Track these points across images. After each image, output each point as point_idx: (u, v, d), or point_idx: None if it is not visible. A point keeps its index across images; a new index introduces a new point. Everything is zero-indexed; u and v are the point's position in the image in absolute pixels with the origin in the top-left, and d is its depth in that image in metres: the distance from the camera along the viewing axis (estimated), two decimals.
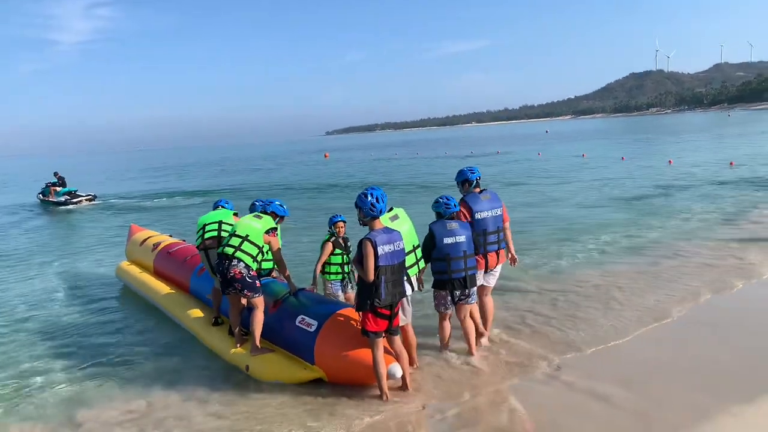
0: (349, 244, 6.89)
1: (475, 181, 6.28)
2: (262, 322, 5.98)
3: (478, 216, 6.04)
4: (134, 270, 9.83)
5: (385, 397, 5.20)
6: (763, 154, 29.36)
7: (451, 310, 5.97)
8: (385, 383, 5.20)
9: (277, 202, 6.68)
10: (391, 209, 5.78)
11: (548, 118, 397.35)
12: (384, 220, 5.40)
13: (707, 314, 7.17)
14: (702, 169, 23.88)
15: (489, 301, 6.51)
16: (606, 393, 5.19)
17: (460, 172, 6.37)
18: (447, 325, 6.09)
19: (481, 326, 6.42)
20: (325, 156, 68.87)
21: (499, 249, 6.28)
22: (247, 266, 6.00)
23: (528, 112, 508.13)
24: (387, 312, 5.05)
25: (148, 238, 10.32)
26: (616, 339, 6.46)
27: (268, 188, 31.47)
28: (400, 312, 5.48)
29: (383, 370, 5.13)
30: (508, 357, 6.16)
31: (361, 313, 5.08)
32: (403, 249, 5.19)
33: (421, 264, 5.82)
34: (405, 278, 5.51)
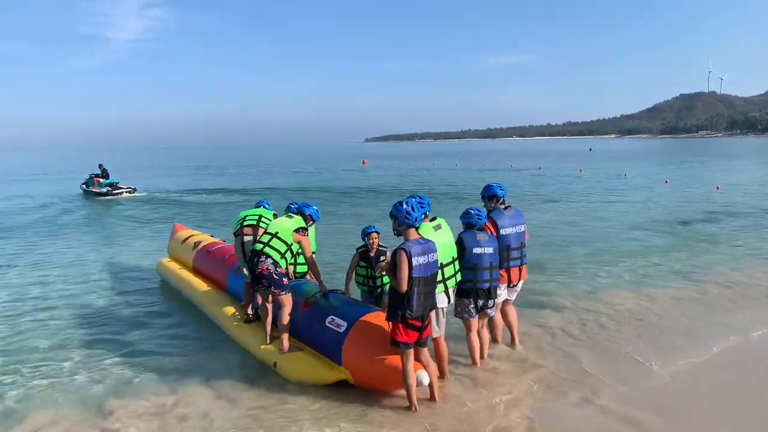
0: (382, 257, 6.66)
1: (501, 198, 6.44)
2: (289, 321, 6.07)
3: (503, 232, 6.23)
4: (174, 266, 10.08)
5: (413, 408, 5.19)
6: None
7: (475, 319, 6.03)
8: (414, 394, 5.18)
9: (314, 207, 6.84)
10: (434, 218, 5.79)
11: (592, 136, 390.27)
12: (426, 230, 5.44)
13: (757, 348, 6.90)
14: (753, 197, 23.00)
15: (512, 310, 6.72)
16: (639, 419, 5.08)
17: (489, 188, 6.53)
18: (475, 337, 6.13)
19: (500, 339, 6.69)
20: (364, 163, 69.23)
21: (521, 264, 6.43)
22: (275, 263, 6.09)
23: (572, 129, 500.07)
24: (418, 323, 5.01)
25: (190, 236, 10.60)
26: (654, 364, 6.32)
27: (307, 191, 31.83)
28: (432, 323, 5.49)
29: (413, 381, 5.10)
30: (535, 376, 6.09)
31: (391, 323, 5.06)
32: (437, 261, 5.15)
33: (459, 276, 5.80)
34: (443, 290, 5.50)
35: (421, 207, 5.32)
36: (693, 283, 9.71)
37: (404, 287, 4.85)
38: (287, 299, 6.14)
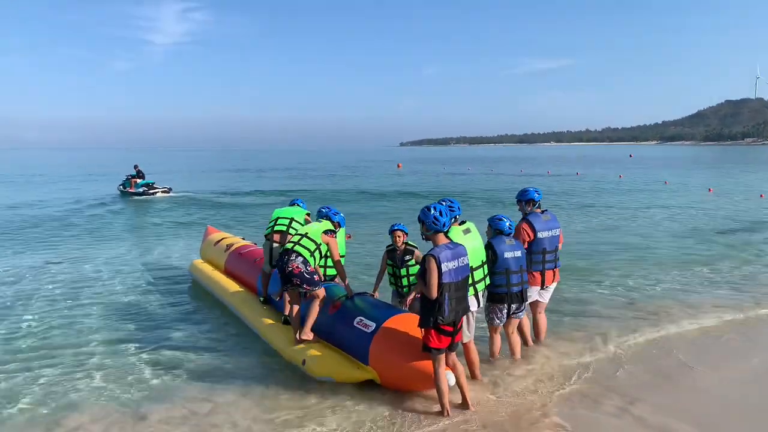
0: (408, 257, 6.56)
1: (538, 202, 6.56)
2: (316, 313, 6.26)
3: (539, 235, 6.35)
4: (206, 268, 10.24)
5: (446, 413, 5.14)
6: None
7: (503, 323, 6.16)
8: (446, 398, 5.14)
9: (341, 214, 7.08)
10: (464, 222, 5.82)
11: (633, 142, 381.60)
12: (456, 233, 5.43)
13: None
14: None
15: (543, 317, 6.83)
16: (678, 430, 4.96)
17: (526, 192, 6.63)
18: (498, 338, 6.31)
19: (529, 339, 6.72)
20: (398, 166, 69.33)
21: (555, 267, 6.57)
22: (305, 261, 6.27)
23: (611, 135, 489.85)
24: (450, 329, 4.97)
25: (222, 239, 10.76)
26: (687, 372, 6.19)
27: (342, 192, 32.15)
28: (463, 327, 5.46)
29: (445, 387, 5.07)
30: (568, 383, 5.99)
31: (423, 329, 5.03)
32: (468, 264, 5.09)
33: (488, 280, 5.84)
34: (473, 293, 5.47)
35: (451, 211, 5.35)
36: (737, 293, 9.38)
37: (434, 294, 4.80)
38: (320, 292, 6.33)
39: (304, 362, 6.06)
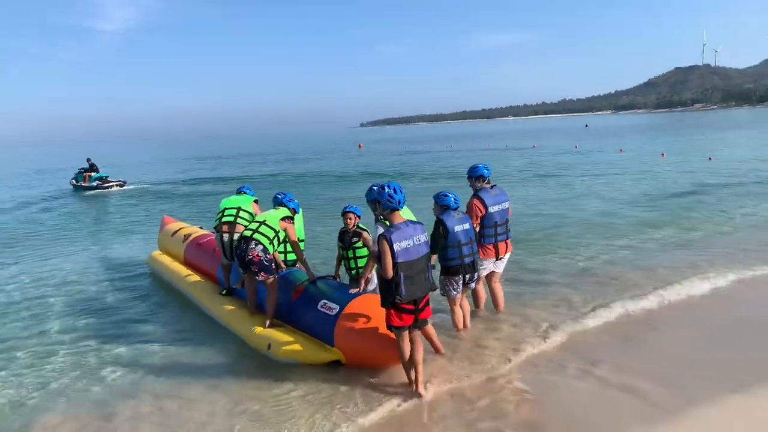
0: (355, 239, 6.59)
1: (487, 178, 6.79)
2: (276, 302, 6.43)
3: (491, 209, 6.62)
4: (165, 259, 10.04)
5: (415, 387, 5.17)
6: None
7: (460, 293, 6.36)
8: (412, 374, 5.19)
9: (295, 201, 7.08)
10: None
11: (588, 113, 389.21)
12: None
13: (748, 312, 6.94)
14: (746, 167, 22.96)
15: (499, 286, 7.09)
16: (640, 387, 5.10)
17: (476, 168, 6.84)
18: (458, 309, 6.49)
19: (482, 305, 7.05)
20: (359, 147, 69.10)
21: (507, 239, 6.85)
22: (265, 249, 6.37)
23: (567, 107, 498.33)
24: (411, 307, 5.00)
25: (180, 229, 10.56)
26: (648, 334, 6.38)
27: (305, 176, 31.89)
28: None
29: (408, 363, 5.16)
30: (528, 349, 6.14)
31: (384, 308, 5.08)
32: (427, 242, 5.08)
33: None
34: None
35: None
36: (692, 255, 9.68)
37: (390, 274, 4.82)
38: (275, 284, 6.47)
39: (269, 347, 6.07)
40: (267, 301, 6.50)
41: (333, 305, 5.85)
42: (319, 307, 5.99)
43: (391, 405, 5.09)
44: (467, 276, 6.26)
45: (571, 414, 4.84)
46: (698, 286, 7.94)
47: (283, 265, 6.95)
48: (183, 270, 9.24)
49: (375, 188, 5.44)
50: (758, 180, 19.19)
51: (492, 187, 6.80)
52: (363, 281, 5.87)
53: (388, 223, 5.17)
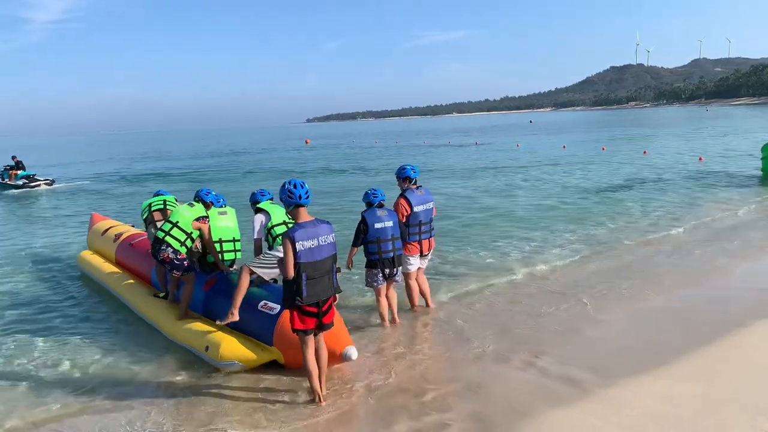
0: None
1: (414, 179, 7.09)
2: (191, 296, 6.64)
3: (416, 209, 6.92)
4: (96, 260, 9.51)
5: (317, 398, 4.97)
6: (735, 149, 29.78)
7: (383, 286, 6.65)
8: (316, 382, 4.98)
9: (213, 193, 7.19)
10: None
11: (529, 110, 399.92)
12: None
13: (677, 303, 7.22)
14: (674, 163, 24.30)
15: (423, 279, 7.35)
16: (578, 378, 5.21)
17: (403, 170, 7.13)
18: (384, 300, 6.76)
19: (416, 302, 7.24)
20: (307, 142, 68.56)
21: (430, 237, 7.16)
22: (175, 251, 6.58)
23: (509, 104, 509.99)
24: (314, 309, 4.77)
25: (110, 228, 10.03)
26: (583, 329, 6.52)
27: (253, 173, 31.36)
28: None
29: (314, 369, 4.94)
30: (467, 341, 6.23)
31: (288, 310, 4.88)
32: (333, 243, 4.86)
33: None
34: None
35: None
36: (611, 247, 10.18)
37: (290, 274, 4.60)
38: (190, 277, 6.65)
39: (207, 349, 5.85)
40: (183, 294, 6.69)
41: (274, 305, 5.78)
42: (259, 307, 5.91)
43: (342, 402, 5.00)
44: (386, 270, 6.55)
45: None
46: (625, 274, 8.35)
47: (194, 262, 6.93)
48: (115, 271, 8.76)
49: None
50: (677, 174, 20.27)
51: (418, 187, 7.10)
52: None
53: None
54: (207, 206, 6.96)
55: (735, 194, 15.46)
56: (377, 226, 6.44)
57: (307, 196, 4.82)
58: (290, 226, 5.48)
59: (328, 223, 4.90)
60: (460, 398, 5.02)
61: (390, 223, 6.51)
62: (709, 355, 5.63)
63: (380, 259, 6.50)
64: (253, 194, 6.88)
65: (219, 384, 5.52)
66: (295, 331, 4.87)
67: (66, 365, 6.27)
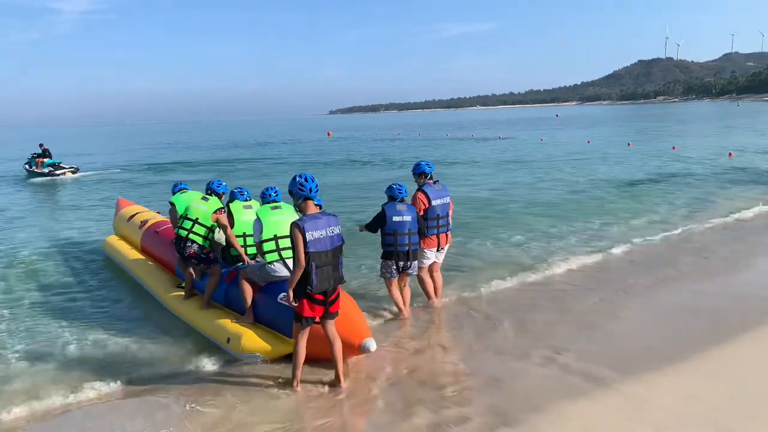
0: None
1: (430, 174, 7.21)
2: (215, 287, 6.79)
3: (433, 203, 7.03)
4: (121, 245, 9.66)
5: (296, 384, 5.13)
6: (766, 145, 29.09)
7: (396, 278, 6.79)
8: (300, 370, 5.15)
9: (224, 185, 7.44)
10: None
11: (554, 104, 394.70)
12: (265, 211, 5.98)
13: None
14: (702, 159, 23.80)
15: (439, 275, 7.44)
16: (599, 375, 5.15)
17: (418, 165, 7.26)
18: (396, 291, 6.89)
19: (433, 296, 7.29)
20: (328, 134, 68.74)
21: (447, 231, 7.24)
22: (200, 246, 6.80)
23: (534, 97, 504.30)
24: (322, 298, 4.95)
25: (137, 214, 10.14)
26: (608, 325, 6.46)
27: (273, 164, 31.55)
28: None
29: (302, 358, 5.12)
30: (486, 336, 6.21)
31: (295, 298, 4.97)
32: (339, 234, 5.06)
33: (285, 253, 5.93)
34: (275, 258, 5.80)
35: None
36: (645, 240, 10.03)
37: (302, 263, 4.78)
38: (216, 270, 6.82)
39: (228, 340, 5.91)
40: (207, 285, 6.84)
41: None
42: (279, 299, 5.91)
43: (362, 393, 5.03)
44: (401, 263, 6.69)
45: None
46: (644, 270, 8.28)
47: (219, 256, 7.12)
48: (140, 258, 8.89)
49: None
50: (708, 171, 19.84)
51: (435, 182, 7.22)
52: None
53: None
54: (219, 197, 7.19)
55: (765, 192, 15.09)
56: (395, 219, 6.61)
57: (317, 190, 5.05)
58: (281, 239, 5.88)
59: (334, 215, 5.09)
60: (479, 392, 5.00)
61: (408, 218, 6.64)
62: (733, 353, 5.56)
63: (395, 252, 6.66)
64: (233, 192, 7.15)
65: (239, 374, 5.57)
66: (299, 318, 5.00)
67: (87, 349, 6.42)
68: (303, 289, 4.87)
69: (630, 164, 22.92)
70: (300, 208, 5.05)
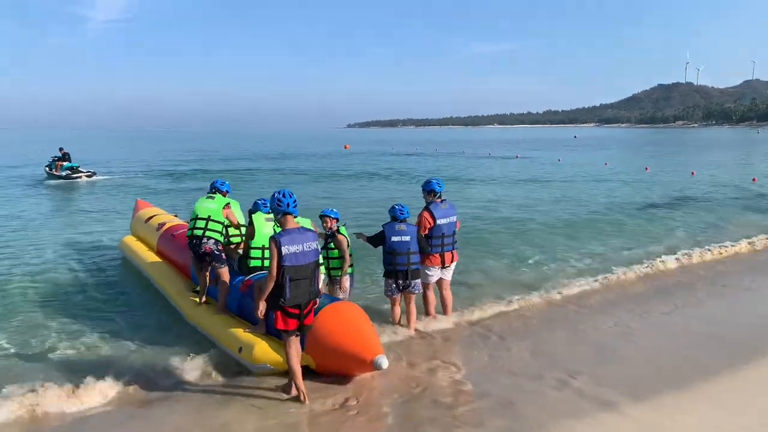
0: (329, 239, 6.85)
1: (439, 193, 7.24)
2: (227, 291, 6.84)
3: (439, 222, 7.06)
4: (138, 246, 9.77)
5: (302, 397, 5.12)
6: None
7: (397, 296, 6.91)
8: (300, 380, 5.16)
9: (227, 183, 7.57)
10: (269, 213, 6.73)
11: (572, 124, 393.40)
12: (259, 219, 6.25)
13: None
14: (722, 184, 23.54)
15: (448, 294, 7.44)
16: (614, 400, 5.07)
17: (428, 183, 7.31)
18: (396, 309, 7.04)
19: (432, 312, 7.30)
20: (346, 147, 69.09)
21: (453, 249, 7.27)
22: (217, 241, 6.92)
23: (552, 117, 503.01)
24: (296, 311, 5.05)
25: (154, 216, 10.25)
26: (623, 349, 6.34)
27: (295, 174, 31.71)
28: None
29: (298, 368, 5.16)
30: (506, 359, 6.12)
31: (271, 311, 5.09)
32: (316, 250, 5.21)
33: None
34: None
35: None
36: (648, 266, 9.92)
37: (274, 275, 4.93)
38: (225, 272, 6.88)
39: (240, 350, 5.88)
40: (219, 290, 6.86)
41: None
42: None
43: (373, 410, 5.01)
44: (400, 281, 6.78)
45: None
46: (662, 293, 8.07)
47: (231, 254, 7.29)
48: (155, 261, 8.95)
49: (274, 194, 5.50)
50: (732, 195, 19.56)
51: (442, 201, 7.25)
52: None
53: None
54: (223, 195, 7.34)
55: None
56: (394, 239, 6.75)
57: (295, 205, 5.19)
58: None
59: (312, 231, 5.33)
60: (492, 413, 4.93)
61: (407, 238, 6.76)
62: (750, 383, 5.46)
63: (394, 271, 6.78)
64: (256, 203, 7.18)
65: (250, 385, 5.53)
66: (277, 330, 5.14)
67: (94, 351, 6.51)
68: (276, 301, 4.98)
69: (648, 188, 22.71)
70: (279, 223, 5.22)
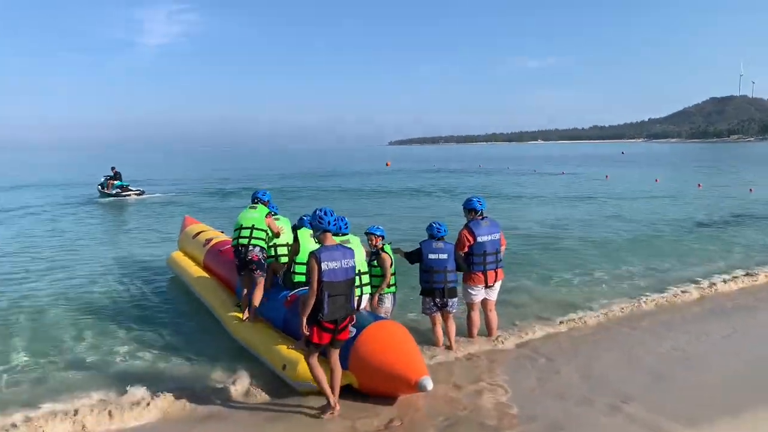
0: (372, 258, 6.78)
1: (480, 211, 7.16)
2: (260, 298, 7.01)
3: (479, 239, 6.97)
4: (185, 262, 9.98)
5: (334, 404, 5.22)
6: None
7: (437, 314, 6.85)
8: (327, 386, 5.22)
9: (269, 194, 7.73)
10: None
11: (619, 140, 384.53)
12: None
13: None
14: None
15: (494, 315, 7.29)
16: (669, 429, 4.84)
17: (470, 201, 7.25)
18: (437, 328, 6.93)
19: (474, 334, 7.19)
20: (387, 164, 69.43)
21: (497, 267, 7.10)
22: (262, 249, 7.13)
23: (598, 133, 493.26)
24: (331, 326, 5.10)
25: (201, 232, 10.49)
26: (680, 374, 6.05)
27: (335, 191, 32.01)
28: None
29: (323, 375, 5.24)
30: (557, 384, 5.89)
31: (307, 324, 5.13)
32: (353, 267, 5.27)
33: (365, 289, 6.37)
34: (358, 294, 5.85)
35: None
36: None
37: (314, 290, 5.00)
38: (263, 280, 7.09)
39: (284, 367, 5.87)
40: (254, 295, 6.99)
41: (351, 328, 5.66)
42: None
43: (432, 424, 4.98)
44: (437, 299, 6.76)
45: None
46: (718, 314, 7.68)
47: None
48: (202, 276, 9.14)
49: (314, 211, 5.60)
50: None
51: (483, 218, 7.18)
52: (374, 301, 6.53)
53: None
54: (265, 204, 7.46)
55: None
56: (431, 257, 6.75)
57: (335, 224, 5.37)
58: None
59: (350, 249, 5.37)
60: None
61: (444, 256, 6.74)
62: None
63: (431, 288, 6.77)
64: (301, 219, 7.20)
65: (294, 404, 5.51)
66: (308, 344, 5.18)
67: (146, 365, 6.68)
68: (314, 316, 5.05)
69: (701, 205, 21.86)
70: (318, 240, 5.33)
